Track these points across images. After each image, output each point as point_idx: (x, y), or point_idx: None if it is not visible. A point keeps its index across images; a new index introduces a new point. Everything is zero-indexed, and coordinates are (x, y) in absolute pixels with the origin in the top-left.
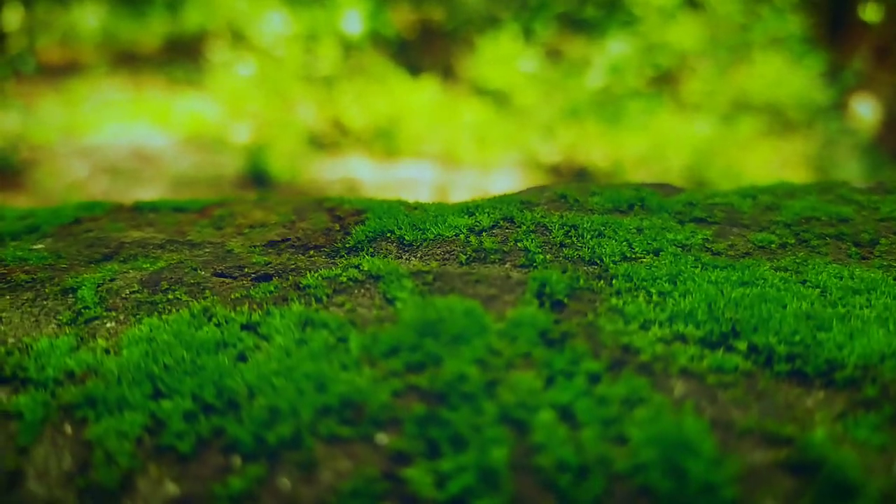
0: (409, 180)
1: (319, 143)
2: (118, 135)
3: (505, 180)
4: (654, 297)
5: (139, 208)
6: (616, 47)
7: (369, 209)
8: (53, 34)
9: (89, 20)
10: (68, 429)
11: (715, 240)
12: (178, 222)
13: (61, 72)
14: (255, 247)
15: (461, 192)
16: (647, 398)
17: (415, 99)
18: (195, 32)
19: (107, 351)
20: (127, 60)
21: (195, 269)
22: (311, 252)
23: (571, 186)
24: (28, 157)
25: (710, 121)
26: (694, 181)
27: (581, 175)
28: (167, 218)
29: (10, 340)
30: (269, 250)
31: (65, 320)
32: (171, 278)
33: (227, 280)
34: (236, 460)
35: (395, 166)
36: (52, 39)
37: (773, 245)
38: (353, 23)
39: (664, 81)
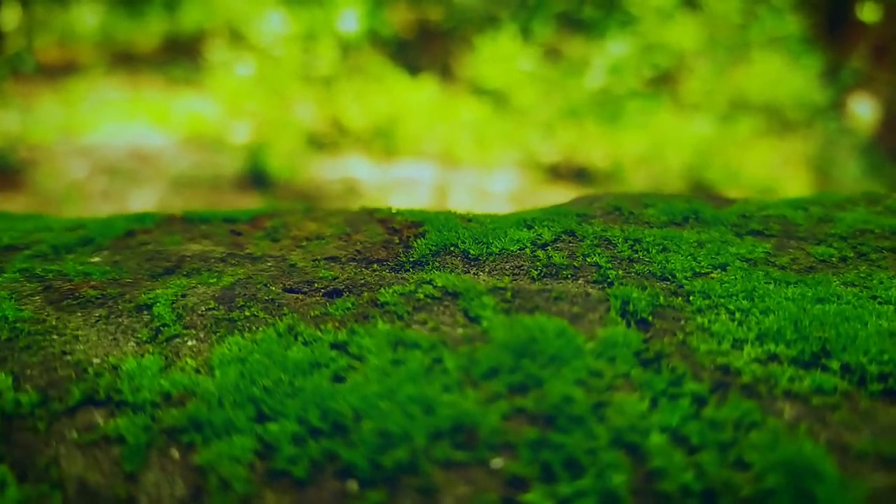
0: (409, 180)
1: (318, 143)
2: (117, 135)
3: (504, 180)
4: (737, 315)
5: (190, 219)
6: (615, 47)
7: (426, 221)
8: (51, 34)
9: (88, 20)
10: (175, 453)
11: (776, 253)
12: (232, 234)
13: (59, 71)
14: (316, 260)
15: (461, 192)
16: (759, 422)
17: (413, 98)
18: (193, 32)
19: (197, 371)
20: (125, 60)
21: (266, 285)
22: (375, 266)
23: (623, 198)
24: (27, 157)
25: (708, 120)
26: (693, 181)
27: (580, 175)
28: (220, 229)
29: (96, 361)
30: (332, 264)
31: (144, 338)
32: (245, 294)
33: (300, 296)
34: (353, 486)
35: (394, 166)
36: (51, 39)
37: (833, 259)
38: (351, 22)
39: (663, 81)
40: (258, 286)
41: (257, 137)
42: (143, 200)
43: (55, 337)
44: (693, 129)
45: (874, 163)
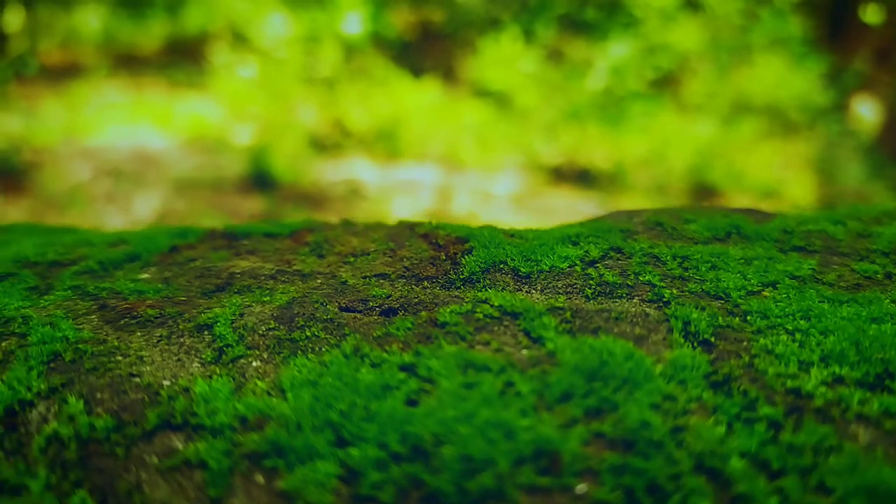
0: (412, 182)
1: (321, 145)
2: (120, 137)
3: (507, 182)
4: (797, 336)
5: (231, 234)
6: (617, 49)
7: (471, 237)
8: (55, 36)
9: (91, 22)
10: (260, 479)
11: (822, 270)
12: (277, 250)
13: (62, 74)
14: (366, 278)
15: (464, 194)
16: (836, 446)
17: (416, 100)
18: (195, 34)
19: (268, 393)
20: (128, 62)
21: (322, 304)
22: (425, 283)
23: (663, 213)
24: (30, 160)
25: (711, 122)
26: (696, 183)
27: (583, 177)
28: (264, 245)
29: (166, 383)
30: (382, 281)
31: (208, 359)
32: (303, 314)
33: (357, 315)
34: None
35: (397, 168)
36: (53, 42)
37: (878, 275)
38: (354, 24)
39: (665, 83)
40: (315, 305)
41: (260, 139)
42: (147, 202)
43: (119, 358)
44: (695, 131)
45: (877, 165)
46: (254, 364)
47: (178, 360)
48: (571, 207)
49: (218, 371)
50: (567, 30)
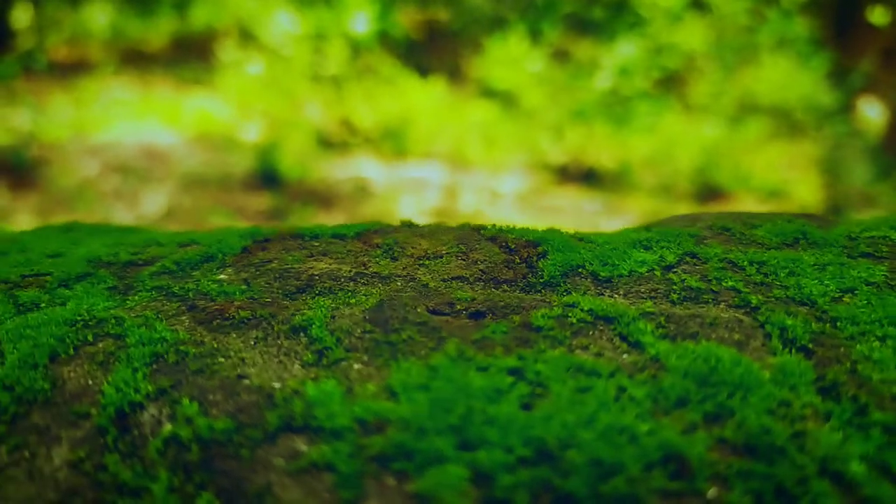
0: (418, 181)
1: (328, 143)
2: (128, 133)
3: (513, 181)
4: (889, 343)
5: (300, 235)
6: (623, 49)
7: (542, 241)
8: (62, 32)
9: (98, 18)
10: (390, 481)
11: (894, 277)
12: (349, 251)
13: (69, 70)
14: (445, 280)
15: (470, 193)
16: None
17: (423, 99)
18: (202, 31)
19: (378, 396)
20: (135, 59)
21: (411, 306)
22: (504, 287)
23: (727, 217)
24: (39, 155)
25: (717, 123)
26: (702, 183)
27: (589, 176)
28: (335, 247)
29: (277, 385)
30: (462, 284)
31: (309, 361)
32: (395, 316)
33: (447, 318)
34: None
35: (403, 166)
36: (60, 38)
37: None
38: (361, 23)
39: (671, 83)
40: (405, 308)
41: (268, 137)
42: (155, 199)
43: (222, 360)
44: (701, 131)
45: (884, 166)
46: (355, 367)
47: (280, 361)
48: (577, 207)
49: (322, 374)
50: (573, 29)
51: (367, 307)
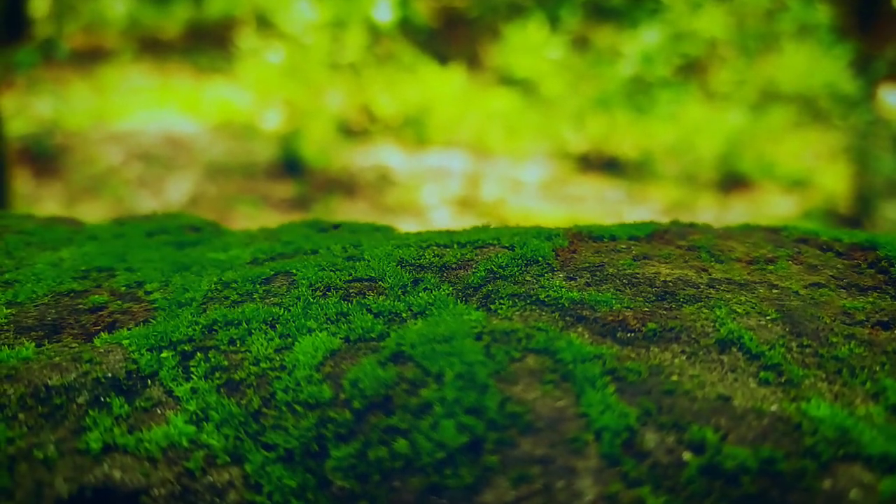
0: (440, 169)
1: (349, 131)
2: (149, 121)
3: (535, 170)
4: None
5: (598, 237)
6: (644, 36)
7: (878, 245)
8: (79, 20)
9: (115, 6)
10: None
11: None
12: (669, 255)
13: (87, 58)
14: (808, 287)
15: (492, 181)
16: None
17: (443, 87)
18: (218, 19)
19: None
20: (152, 47)
21: (817, 317)
22: (874, 294)
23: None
24: (61, 143)
25: (739, 111)
26: (726, 172)
27: (611, 165)
28: (648, 249)
29: (773, 408)
30: (830, 292)
31: (767, 380)
32: (819, 329)
33: (868, 330)
34: None
35: (425, 155)
36: (77, 25)
37: None
38: (384, 11)
39: (692, 71)
40: (817, 321)
41: (288, 125)
42: (179, 187)
43: (675, 378)
44: (724, 119)
45: None
46: (817, 385)
47: (736, 379)
48: (600, 195)
49: (780, 394)
50: (593, 16)
51: (772, 318)
